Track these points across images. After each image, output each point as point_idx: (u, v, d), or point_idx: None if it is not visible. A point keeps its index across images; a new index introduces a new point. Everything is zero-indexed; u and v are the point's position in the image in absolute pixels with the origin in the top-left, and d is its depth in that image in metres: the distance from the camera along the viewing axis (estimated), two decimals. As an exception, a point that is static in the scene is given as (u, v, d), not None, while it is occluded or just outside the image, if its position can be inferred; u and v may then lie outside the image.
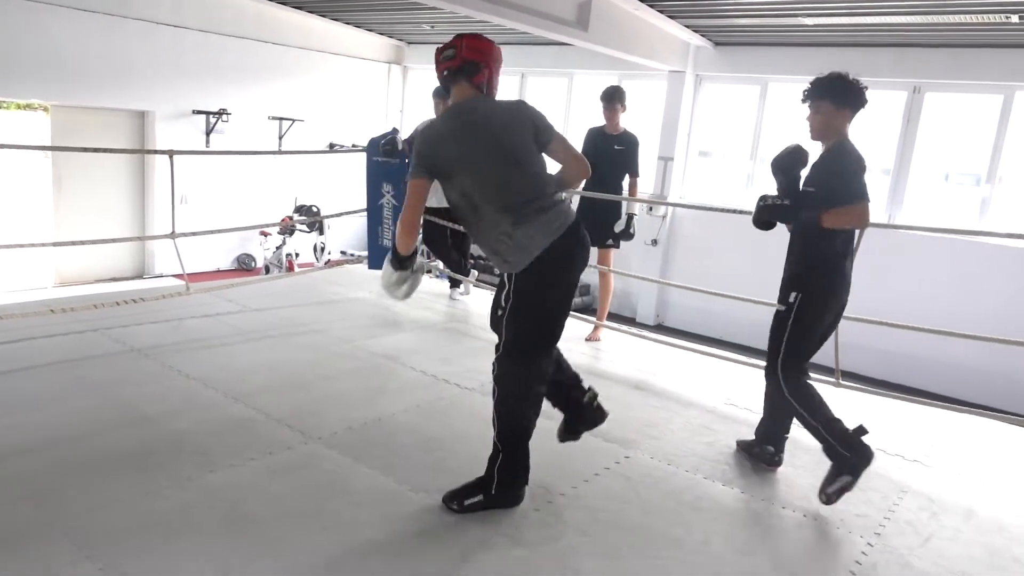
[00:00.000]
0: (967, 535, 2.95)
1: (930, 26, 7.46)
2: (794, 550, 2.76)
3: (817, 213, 3.03)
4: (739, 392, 4.33)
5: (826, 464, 3.01)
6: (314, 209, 11.42)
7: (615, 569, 2.53)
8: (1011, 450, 3.91)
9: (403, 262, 2.79)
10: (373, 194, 6.07)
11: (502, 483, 2.78)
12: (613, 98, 5.30)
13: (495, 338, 2.80)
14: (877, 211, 8.94)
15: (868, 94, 3.14)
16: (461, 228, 5.83)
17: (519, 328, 2.69)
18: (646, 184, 10.28)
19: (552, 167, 2.86)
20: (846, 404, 4.09)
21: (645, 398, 4.18)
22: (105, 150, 5.00)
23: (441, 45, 2.74)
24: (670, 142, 9.98)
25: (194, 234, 5.46)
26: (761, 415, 3.48)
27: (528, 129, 2.73)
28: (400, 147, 5.80)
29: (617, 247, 5.49)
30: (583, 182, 3.11)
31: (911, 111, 8.55)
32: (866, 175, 3.07)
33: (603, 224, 5.35)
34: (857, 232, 3.25)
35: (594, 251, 3.27)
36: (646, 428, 3.70)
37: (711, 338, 9.33)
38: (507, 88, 11.99)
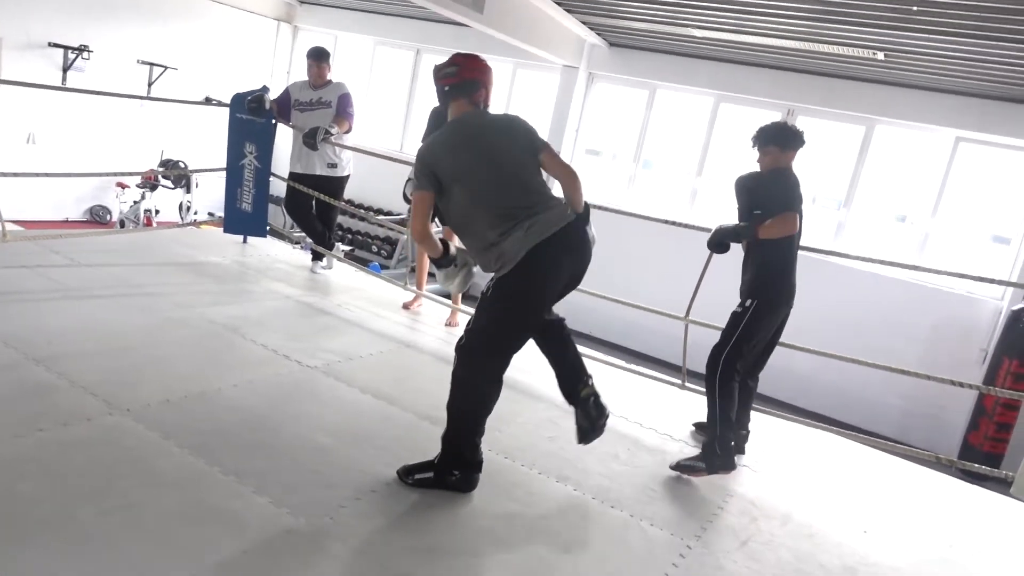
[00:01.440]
0: (780, 539, 3.05)
1: (805, 52, 7.83)
2: (616, 550, 2.74)
3: (753, 229, 3.38)
4: (590, 388, 4.32)
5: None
6: (181, 165, 10.68)
7: (429, 567, 2.42)
8: (831, 458, 4.10)
9: (439, 263, 2.87)
10: (234, 153, 5.68)
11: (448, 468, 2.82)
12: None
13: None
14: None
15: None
16: (326, 198, 5.54)
17: (489, 316, 2.72)
18: (532, 176, 10.29)
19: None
20: (689, 406, 4.19)
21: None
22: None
23: (441, 63, 2.89)
24: (558, 137, 10.00)
25: (14, 175, 4.86)
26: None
27: (523, 141, 2.82)
28: (268, 106, 5.44)
29: None
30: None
31: (783, 132, 8.95)
32: (799, 190, 3.43)
33: None
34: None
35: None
36: (490, 421, 3.60)
37: (580, 334, 9.46)
38: (401, 61, 11.68)
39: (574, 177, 2.82)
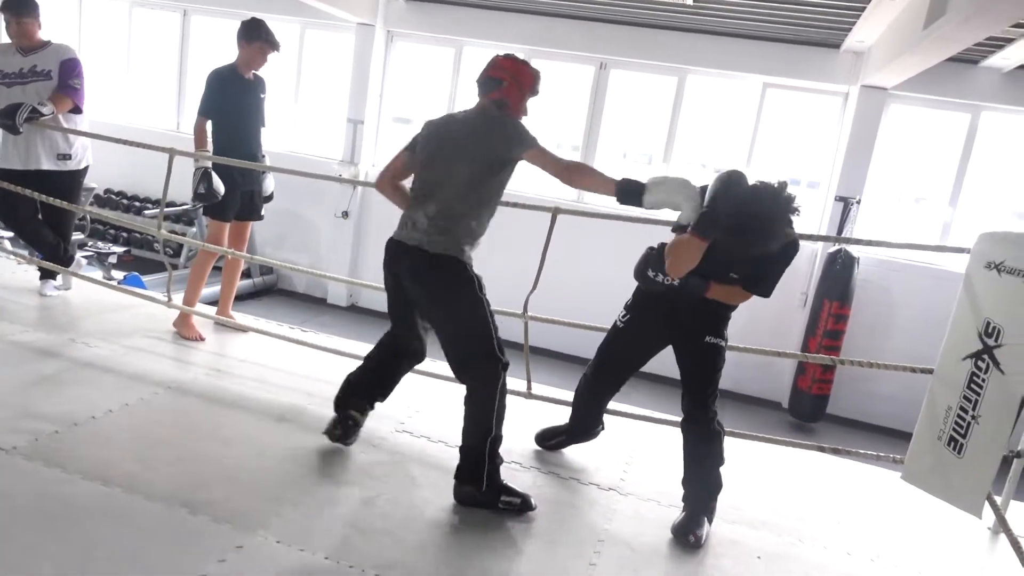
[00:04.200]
0: (670, 593, 2.42)
1: (614, 1, 7.34)
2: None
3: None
4: (422, 408, 3.47)
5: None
6: None
7: None
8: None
9: None
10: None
11: None
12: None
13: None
14: (566, 190, 8.84)
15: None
16: (59, 202, 4.20)
17: None
18: (335, 148, 9.15)
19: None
20: (537, 415, 3.48)
21: (288, 435, 3.12)
22: None
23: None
24: (360, 104, 8.93)
25: None
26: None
27: (482, 150, 2.73)
28: None
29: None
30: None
31: (598, 87, 8.51)
32: None
33: (256, 194, 4.21)
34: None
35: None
36: (280, 489, 2.66)
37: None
38: (167, 23, 9.95)
39: (574, 170, 2.79)
